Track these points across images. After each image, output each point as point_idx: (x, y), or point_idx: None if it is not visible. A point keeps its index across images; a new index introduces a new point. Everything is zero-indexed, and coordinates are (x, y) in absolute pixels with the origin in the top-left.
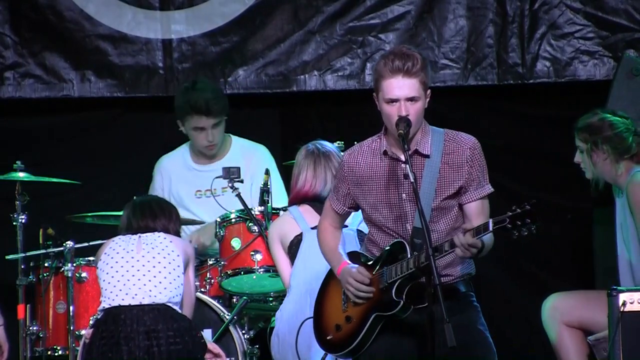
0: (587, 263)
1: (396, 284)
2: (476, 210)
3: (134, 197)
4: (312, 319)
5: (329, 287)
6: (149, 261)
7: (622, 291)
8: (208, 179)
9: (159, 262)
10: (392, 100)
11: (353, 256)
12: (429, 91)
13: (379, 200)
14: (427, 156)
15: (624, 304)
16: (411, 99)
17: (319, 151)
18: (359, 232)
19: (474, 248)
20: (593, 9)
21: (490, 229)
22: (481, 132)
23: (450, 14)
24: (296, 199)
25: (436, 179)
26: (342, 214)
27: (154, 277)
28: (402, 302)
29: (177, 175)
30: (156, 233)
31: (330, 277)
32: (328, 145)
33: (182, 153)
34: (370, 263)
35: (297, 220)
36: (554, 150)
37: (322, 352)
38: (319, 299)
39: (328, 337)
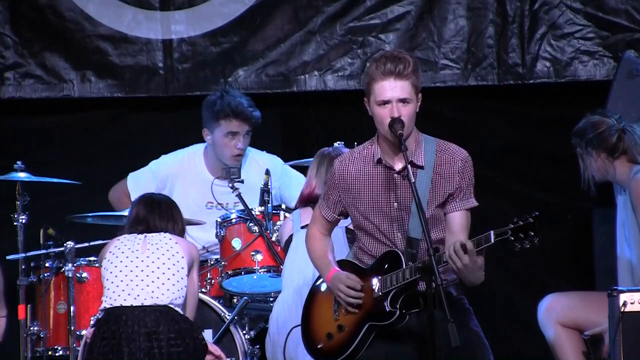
0: (587, 263)
1: (391, 294)
2: (460, 223)
3: (143, 194)
4: (300, 327)
5: (318, 295)
6: (153, 262)
7: (623, 291)
8: (223, 193)
9: (164, 263)
10: (384, 102)
11: (344, 264)
12: (420, 95)
13: (370, 208)
14: (421, 167)
15: (624, 304)
16: (403, 101)
17: (328, 153)
18: (349, 231)
19: (466, 259)
20: (593, 9)
21: (492, 240)
22: (481, 132)
23: (451, 14)
24: (301, 202)
25: (428, 189)
26: (332, 222)
27: (158, 278)
28: (397, 313)
29: (186, 181)
30: (162, 233)
31: (318, 284)
32: (343, 149)
33: (192, 160)
34: (362, 271)
35: (293, 222)
36: (554, 150)
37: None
38: (307, 307)
39: (319, 346)
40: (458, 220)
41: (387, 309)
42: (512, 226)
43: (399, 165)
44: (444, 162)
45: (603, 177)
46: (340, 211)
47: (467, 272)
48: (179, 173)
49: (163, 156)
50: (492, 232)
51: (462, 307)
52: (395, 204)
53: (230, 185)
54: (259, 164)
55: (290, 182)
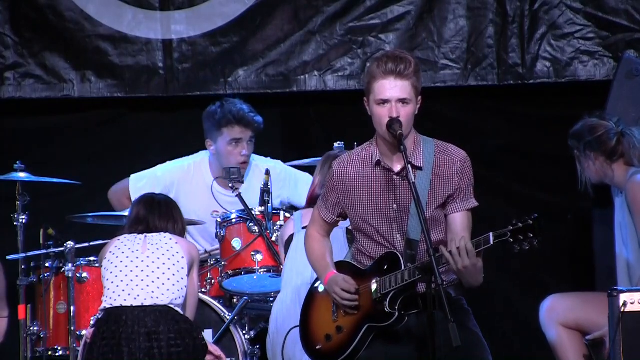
0: (587, 263)
1: (390, 295)
2: (461, 223)
3: (144, 194)
4: (298, 328)
5: (317, 296)
6: (153, 262)
7: (623, 291)
8: (228, 203)
9: (164, 264)
10: (384, 101)
11: (343, 266)
12: (420, 98)
13: (369, 210)
14: (420, 168)
15: (624, 304)
16: (402, 101)
17: (334, 155)
18: (349, 231)
19: (468, 260)
20: (593, 9)
21: (491, 242)
22: (481, 132)
23: (451, 14)
24: (306, 203)
25: (427, 190)
26: (330, 223)
27: (158, 278)
28: (396, 314)
29: (192, 190)
30: (162, 233)
31: (317, 286)
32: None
33: (198, 169)
34: (361, 273)
35: (295, 223)
36: (554, 150)
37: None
38: (305, 308)
39: (317, 347)
40: (459, 220)
41: (386, 311)
42: (512, 228)
43: (397, 167)
44: (443, 163)
45: (600, 179)
46: (339, 213)
47: (467, 274)
48: (184, 181)
49: (169, 162)
50: (491, 234)
51: (461, 308)
52: (395, 205)
53: (231, 185)
54: (262, 172)
55: (297, 186)
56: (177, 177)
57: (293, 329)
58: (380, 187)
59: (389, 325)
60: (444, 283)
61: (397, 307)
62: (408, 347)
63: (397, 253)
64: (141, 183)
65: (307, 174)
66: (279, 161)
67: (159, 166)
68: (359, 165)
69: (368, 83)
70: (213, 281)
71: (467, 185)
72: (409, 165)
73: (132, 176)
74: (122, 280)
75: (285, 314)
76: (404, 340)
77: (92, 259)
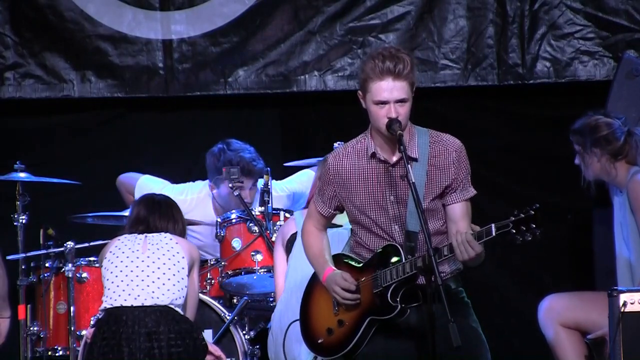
0: (587, 263)
1: (391, 288)
2: (461, 213)
3: (144, 194)
4: (298, 322)
5: (316, 289)
6: (153, 262)
7: (623, 291)
8: None
9: (164, 264)
10: (382, 102)
11: (341, 259)
12: (414, 88)
13: (366, 202)
14: (415, 159)
15: (624, 304)
16: (401, 101)
17: None
18: None
19: (472, 250)
20: (593, 9)
21: (493, 233)
22: (482, 132)
23: (451, 14)
24: (307, 203)
25: (424, 181)
26: (327, 217)
27: (158, 278)
28: (399, 307)
29: (198, 218)
30: (162, 234)
31: (316, 279)
32: None
33: (202, 203)
34: (360, 266)
35: (296, 222)
36: (554, 150)
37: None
38: (305, 302)
39: (319, 341)
40: (459, 210)
41: (388, 303)
42: (514, 219)
43: (393, 159)
44: (438, 153)
45: (601, 177)
46: (336, 206)
47: (470, 261)
48: (186, 212)
49: (173, 188)
50: (493, 225)
51: (460, 302)
52: (392, 197)
53: (231, 185)
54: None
55: (300, 188)
56: (182, 203)
57: (293, 323)
58: (376, 178)
59: (391, 318)
60: (441, 276)
61: (398, 300)
62: (408, 343)
63: (397, 245)
64: (147, 190)
65: (307, 170)
66: (281, 184)
67: (166, 186)
68: (354, 157)
69: (364, 81)
70: (213, 281)
71: (465, 174)
72: (409, 166)
73: (141, 179)
74: (122, 281)
75: (290, 313)
76: (404, 335)
77: (92, 259)
